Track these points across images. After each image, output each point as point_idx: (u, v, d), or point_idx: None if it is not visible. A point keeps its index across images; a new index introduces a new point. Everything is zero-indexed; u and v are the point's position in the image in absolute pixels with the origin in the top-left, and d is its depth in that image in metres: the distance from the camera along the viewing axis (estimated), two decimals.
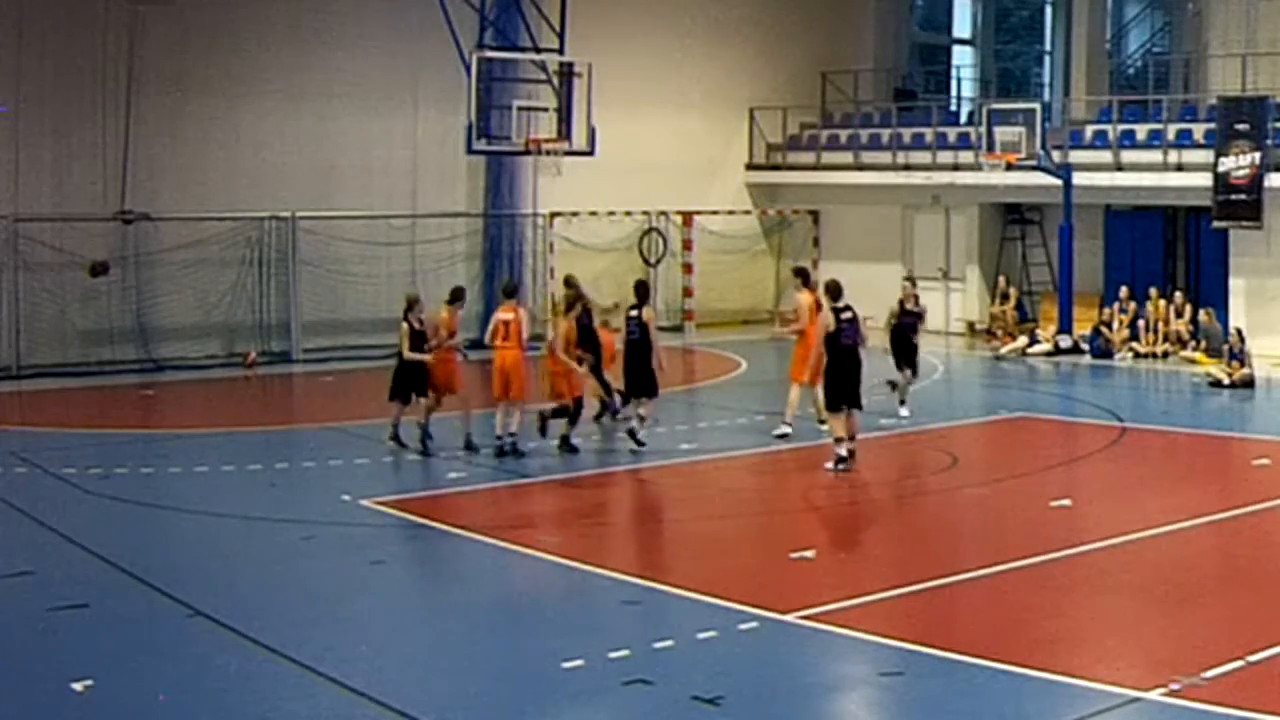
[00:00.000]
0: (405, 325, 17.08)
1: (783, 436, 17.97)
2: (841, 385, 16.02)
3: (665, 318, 30.97)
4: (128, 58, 24.67)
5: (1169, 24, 37.01)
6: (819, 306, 16.91)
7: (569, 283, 18.50)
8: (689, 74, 31.48)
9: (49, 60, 24.03)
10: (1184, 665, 9.37)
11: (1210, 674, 9.20)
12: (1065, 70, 34.47)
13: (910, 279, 21.75)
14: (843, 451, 16.02)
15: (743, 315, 32.23)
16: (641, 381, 17.25)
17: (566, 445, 17.11)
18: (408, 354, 17.02)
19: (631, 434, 17.22)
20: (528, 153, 25.41)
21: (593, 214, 29.75)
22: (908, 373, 19.82)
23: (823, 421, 18.50)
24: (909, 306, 20.03)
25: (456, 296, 17.97)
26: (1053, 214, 28.87)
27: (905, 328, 19.89)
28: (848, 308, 16.13)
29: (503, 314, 17.19)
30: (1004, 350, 27.68)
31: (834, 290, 16.26)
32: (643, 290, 17.78)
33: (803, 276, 19.36)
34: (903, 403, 19.65)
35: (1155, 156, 27.06)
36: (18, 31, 23.63)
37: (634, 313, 17.35)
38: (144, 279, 25.26)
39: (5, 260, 23.88)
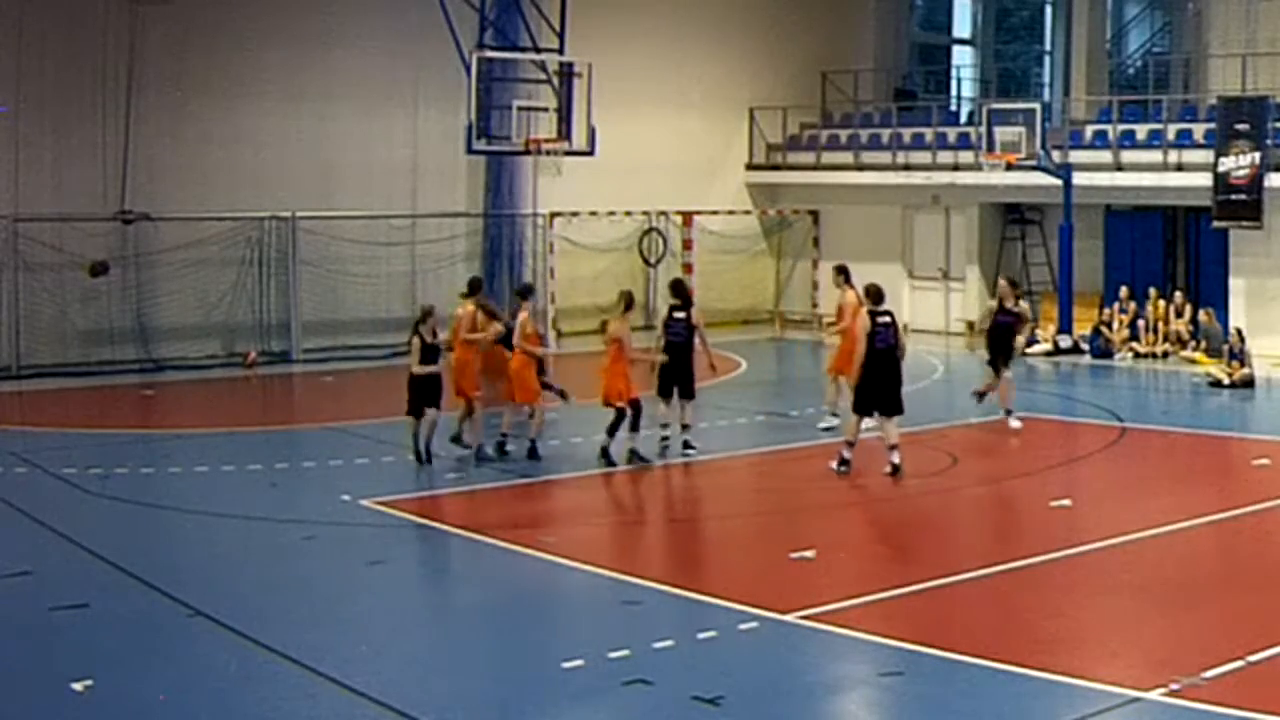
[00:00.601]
0: (416, 339, 16.33)
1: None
2: (874, 389, 15.86)
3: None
4: (128, 58, 24.66)
5: (1169, 24, 36.99)
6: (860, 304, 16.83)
7: (473, 285, 17.85)
8: (689, 74, 31.48)
9: (49, 60, 24.03)
10: (1184, 665, 9.38)
11: (1210, 674, 9.20)
12: (1065, 70, 34.47)
13: (1011, 280, 20.70)
14: (847, 454, 15.94)
15: (743, 315, 32.23)
16: (682, 383, 16.99)
17: (637, 456, 16.48)
18: (417, 369, 16.27)
19: (685, 443, 17.06)
20: (528, 153, 25.41)
21: (593, 214, 29.74)
22: (1007, 373, 19.10)
23: (833, 418, 18.50)
24: (1008, 305, 19.41)
25: (475, 288, 17.69)
26: (1053, 214, 28.87)
27: (1003, 326, 19.23)
28: (886, 312, 16.00)
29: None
30: None
31: (875, 295, 16.09)
32: (683, 290, 17.43)
33: (845, 274, 19.30)
34: (1009, 412, 18.94)
35: (1155, 156, 27.06)
36: (18, 31, 23.62)
37: (680, 315, 17.02)
38: (144, 279, 25.26)
39: (5, 260, 23.88)
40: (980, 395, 19.34)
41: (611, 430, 16.46)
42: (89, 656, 9.91)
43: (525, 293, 17.87)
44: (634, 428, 16.48)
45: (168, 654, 10.01)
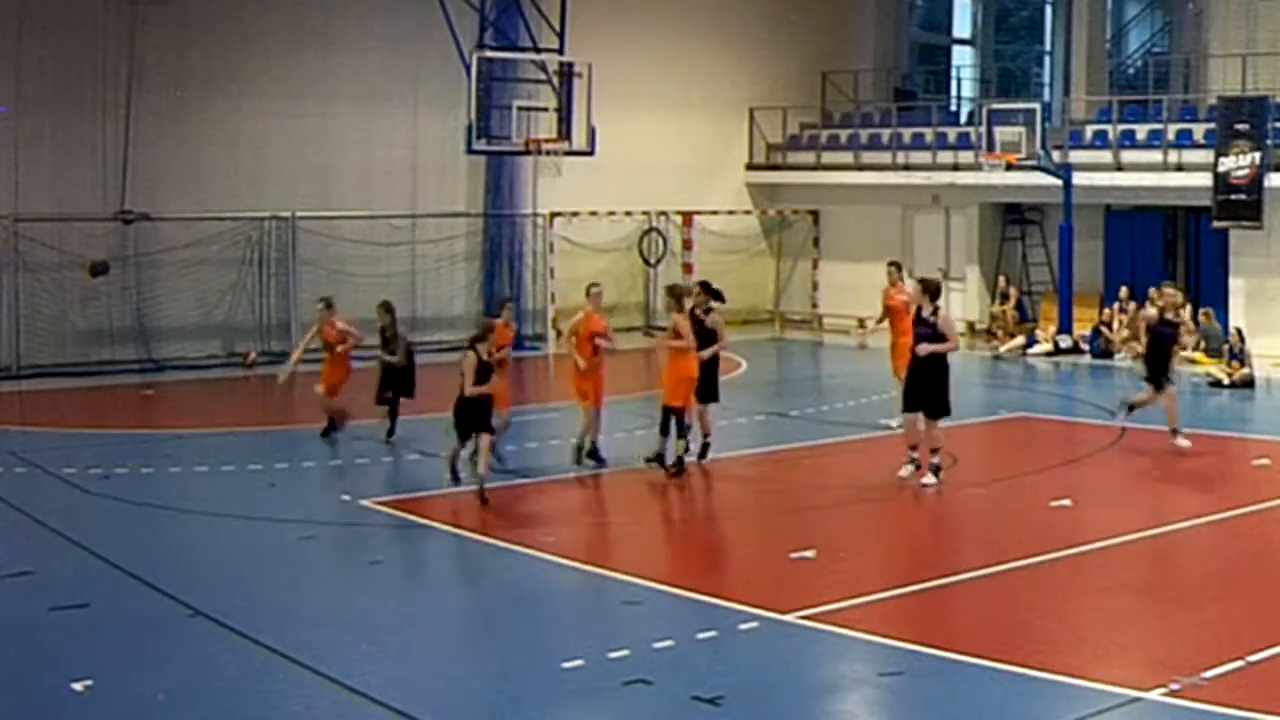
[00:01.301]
0: (472, 356, 14.82)
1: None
2: (921, 387, 15.38)
3: (665, 318, 30.95)
4: (128, 58, 24.66)
5: (1169, 24, 37.03)
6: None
7: (388, 307, 17.76)
8: (689, 74, 31.48)
9: (49, 60, 24.03)
10: (1184, 665, 9.38)
11: (1210, 674, 9.21)
12: (1065, 70, 34.49)
13: (1174, 286, 18.75)
14: (937, 460, 15.20)
15: (743, 315, 32.18)
16: (713, 388, 16.54)
17: (659, 459, 16.06)
18: (471, 390, 14.75)
19: (703, 450, 16.52)
20: (528, 153, 25.44)
21: (593, 214, 29.75)
22: (1170, 388, 17.46)
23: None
24: (1169, 316, 17.88)
25: (502, 305, 17.29)
26: (1053, 214, 28.87)
27: (1164, 339, 17.64)
28: (937, 309, 15.51)
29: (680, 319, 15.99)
30: (1003, 349, 27.69)
31: (935, 292, 15.60)
32: (717, 293, 16.74)
33: (901, 270, 19.20)
34: (1176, 431, 17.31)
35: (1155, 156, 27.06)
36: (18, 32, 23.63)
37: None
38: (144, 279, 25.27)
39: (5, 260, 23.88)
40: (1131, 407, 17.89)
41: (682, 432, 15.96)
42: (89, 656, 9.90)
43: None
44: (666, 432, 15.99)
45: (168, 654, 10.01)
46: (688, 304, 16.30)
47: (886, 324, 18.99)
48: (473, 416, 14.84)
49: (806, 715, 9.13)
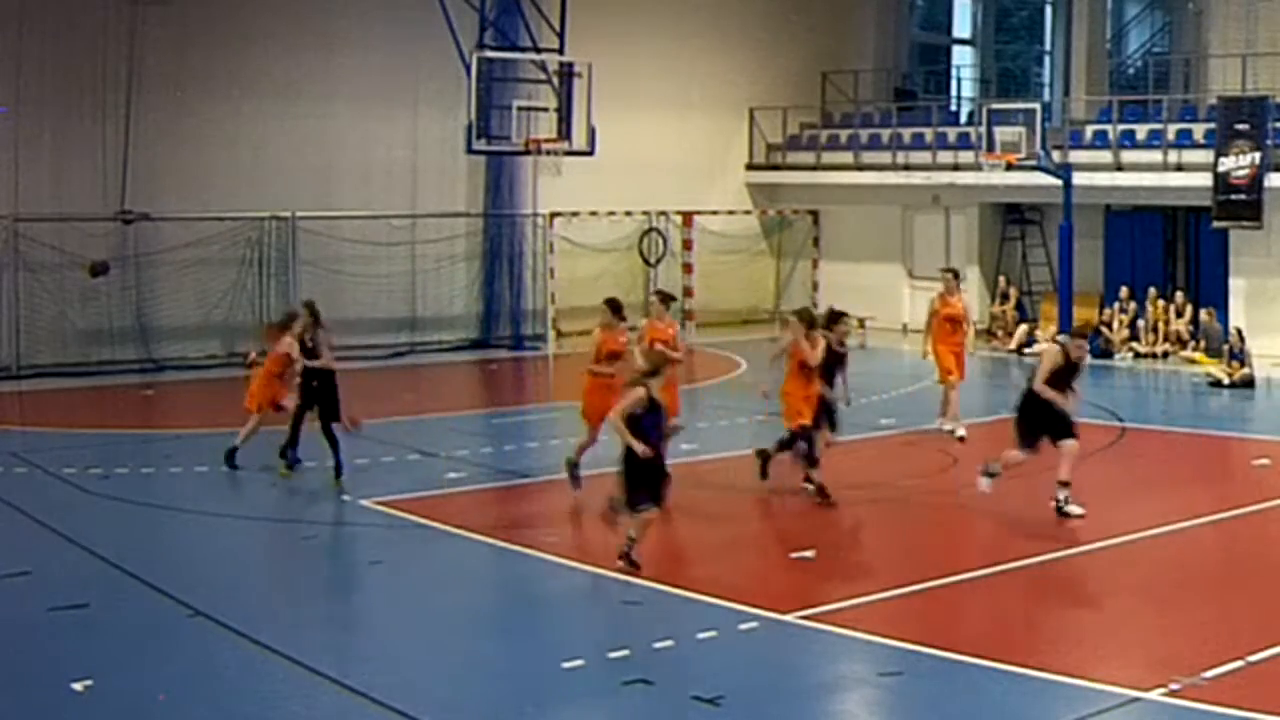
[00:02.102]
0: (642, 392, 11.86)
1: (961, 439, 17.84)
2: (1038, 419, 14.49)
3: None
4: (128, 58, 24.67)
5: (1169, 24, 37.03)
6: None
7: (310, 308, 16.31)
8: (689, 74, 31.49)
9: (49, 60, 24.05)
10: (1184, 665, 9.38)
11: (1210, 674, 9.21)
12: (1065, 70, 34.49)
13: None
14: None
15: (743, 315, 32.23)
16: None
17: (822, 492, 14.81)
18: (644, 450, 11.74)
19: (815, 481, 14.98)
20: (528, 153, 25.44)
21: (593, 214, 29.74)
22: None
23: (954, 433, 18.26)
24: None
25: (617, 309, 15.18)
26: (1053, 214, 28.87)
27: None
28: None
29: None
30: (1011, 345, 27.79)
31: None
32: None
33: (958, 278, 19.30)
34: None
35: (1155, 156, 27.06)
36: (18, 32, 23.64)
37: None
38: (144, 279, 25.28)
39: (5, 260, 23.88)
40: None
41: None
42: (89, 656, 9.91)
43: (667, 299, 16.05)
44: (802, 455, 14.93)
45: (168, 654, 10.01)
46: (816, 331, 14.92)
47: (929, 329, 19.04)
48: (646, 479, 11.94)
49: (806, 715, 9.13)
